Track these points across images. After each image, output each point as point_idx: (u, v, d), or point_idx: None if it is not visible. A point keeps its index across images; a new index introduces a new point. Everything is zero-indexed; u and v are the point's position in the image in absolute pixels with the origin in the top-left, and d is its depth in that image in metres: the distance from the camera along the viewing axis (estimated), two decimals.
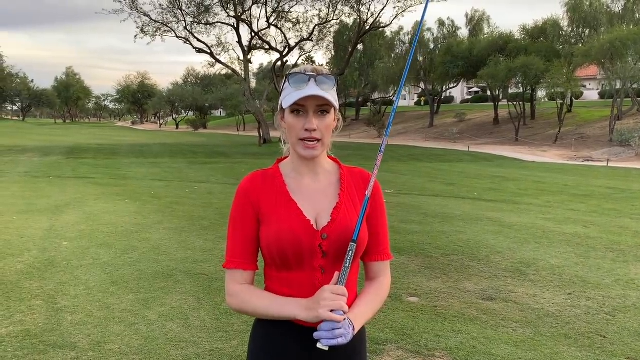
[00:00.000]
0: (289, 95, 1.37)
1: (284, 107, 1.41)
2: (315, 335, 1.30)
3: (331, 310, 1.28)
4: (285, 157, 1.53)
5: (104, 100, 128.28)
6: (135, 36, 35.72)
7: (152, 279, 5.14)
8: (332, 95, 1.37)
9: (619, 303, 4.63)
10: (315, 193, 1.45)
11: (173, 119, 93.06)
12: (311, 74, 1.37)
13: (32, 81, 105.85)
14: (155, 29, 35.47)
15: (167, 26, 35.58)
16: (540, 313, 4.37)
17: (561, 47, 38.21)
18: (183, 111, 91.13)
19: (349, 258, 1.33)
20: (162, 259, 5.90)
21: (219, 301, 4.52)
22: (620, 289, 5.01)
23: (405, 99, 79.86)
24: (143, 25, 35.14)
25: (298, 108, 1.37)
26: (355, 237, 1.33)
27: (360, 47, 42.77)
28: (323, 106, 1.38)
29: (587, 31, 37.28)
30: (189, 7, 35.34)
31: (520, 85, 38.21)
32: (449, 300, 4.65)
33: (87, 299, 4.55)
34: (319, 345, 1.30)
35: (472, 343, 3.71)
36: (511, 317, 4.26)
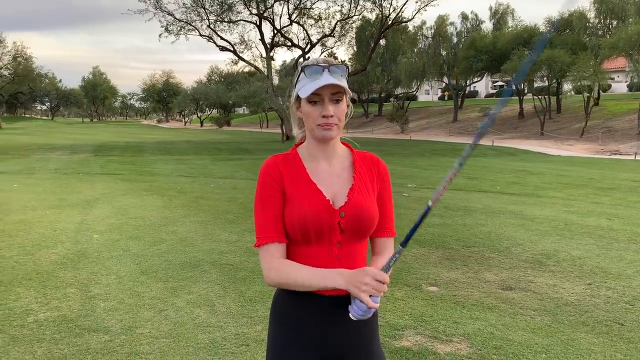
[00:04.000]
0: (306, 86, 1.51)
1: (301, 97, 1.54)
2: (350, 308, 1.45)
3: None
4: (301, 142, 1.66)
5: (129, 99, 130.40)
6: (160, 35, 36.28)
7: (179, 269, 5.33)
8: (344, 83, 1.51)
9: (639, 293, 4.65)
10: (330, 176, 1.58)
11: (197, 116, 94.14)
12: (324, 64, 1.51)
13: (60, 81, 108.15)
14: (179, 28, 35.99)
15: (190, 25, 36.06)
16: (559, 302, 4.42)
17: (588, 39, 37.58)
18: (207, 109, 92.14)
19: (395, 258, 1.44)
20: (189, 250, 6.09)
21: (244, 289, 4.69)
22: None
23: (428, 94, 79.33)
24: (167, 25, 35.69)
25: (315, 97, 1.51)
26: (405, 243, 1.41)
27: (382, 42, 42.72)
28: (337, 94, 1.51)
29: (614, 22, 36.58)
30: (212, 6, 35.76)
31: (545, 78, 37.68)
32: (468, 290, 4.73)
33: (118, 287, 4.75)
34: (350, 314, 1.47)
35: (490, 330, 3.80)
36: (529, 306, 4.33)
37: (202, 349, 3.48)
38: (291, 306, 1.58)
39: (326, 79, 1.48)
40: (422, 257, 5.78)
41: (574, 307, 4.30)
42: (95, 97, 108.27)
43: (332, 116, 1.50)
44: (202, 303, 4.36)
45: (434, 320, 3.98)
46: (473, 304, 4.37)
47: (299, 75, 1.55)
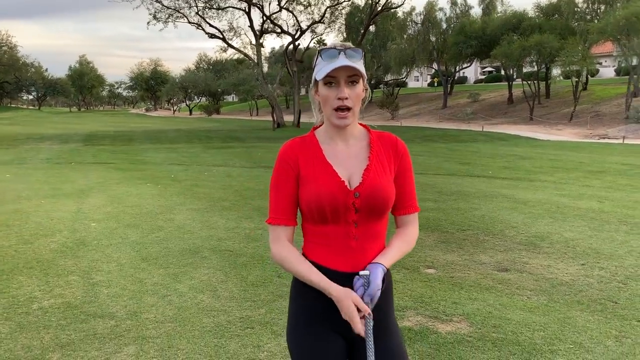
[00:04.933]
0: (322, 69, 1.55)
1: (317, 80, 1.58)
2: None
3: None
4: (319, 126, 1.71)
5: (117, 88, 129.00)
6: (148, 23, 36.02)
7: (179, 256, 5.38)
8: (360, 66, 1.54)
9: (632, 272, 4.77)
10: (347, 157, 1.63)
11: (186, 105, 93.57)
12: (340, 47, 1.55)
13: (47, 70, 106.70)
14: (167, 15, 35.72)
15: (179, 12, 35.74)
16: (554, 282, 4.53)
17: (576, 24, 37.70)
18: (196, 97, 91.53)
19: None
20: (187, 237, 6.14)
21: (245, 274, 4.75)
22: (633, 259, 5.15)
23: (418, 81, 79.35)
24: (155, 12, 35.42)
25: (331, 80, 1.55)
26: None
27: (372, 28, 42.59)
28: (353, 76, 1.55)
29: (602, 7, 36.70)
30: None
31: (534, 63, 37.81)
32: (464, 272, 4.83)
33: (120, 274, 4.79)
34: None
35: (488, 309, 3.90)
36: (525, 286, 4.43)
37: (208, 332, 3.54)
38: (310, 286, 1.63)
39: (342, 61, 1.52)
40: (418, 241, 5.82)
41: (569, 287, 4.40)
42: (83, 86, 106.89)
43: (347, 98, 1.54)
44: (205, 288, 4.42)
45: (433, 301, 4.07)
46: (470, 285, 4.46)
47: (316, 59, 1.59)
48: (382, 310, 1.65)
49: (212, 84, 78.47)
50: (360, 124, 1.70)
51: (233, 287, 4.42)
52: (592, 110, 34.43)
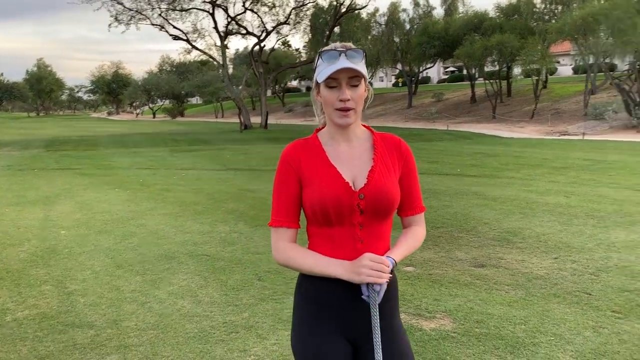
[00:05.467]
0: (323, 71, 1.54)
1: (319, 82, 1.57)
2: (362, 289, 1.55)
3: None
4: (322, 128, 1.69)
5: (77, 92, 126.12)
6: (110, 25, 35.30)
7: (155, 262, 5.29)
8: (361, 67, 1.53)
9: (602, 264, 4.93)
10: (351, 158, 1.62)
11: (149, 108, 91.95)
12: (341, 49, 1.54)
13: (2, 74, 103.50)
14: (129, 17, 35.04)
15: (141, 14, 35.14)
16: (530, 276, 4.64)
17: (535, 24, 38.60)
18: (159, 100, 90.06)
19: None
20: (162, 242, 6.04)
21: (225, 279, 4.70)
22: (602, 252, 5.31)
23: (383, 81, 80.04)
24: (117, 14, 34.67)
25: (332, 81, 1.54)
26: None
27: (337, 29, 42.69)
28: (354, 78, 1.54)
29: (559, 7, 37.71)
30: None
31: (496, 63, 38.57)
32: (442, 269, 4.90)
33: (95, 282, 4.69)
34: (363, 297, 1.55)
35: (469, 305, 3.96)
36: (503, 281, 4.52)
37: (192, 338, 3.50)
38: (314, 288, 1.62)
39: (342, 62, 1.51)
40: (393, 240, 5.90)
41: (544, 280, 4.52)
42: (41, 90, 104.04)
43: (349, 100, 1.53)
44: (185, 294, 4.36)
45: (415, 298, 4.11)
46: (450, 281, 4.53)
47: (317, 61, 1.58)
48: (389, 311, 1.65)
49: (175, 86, 77.30)
50: (363, 125, 1.69)
51: (213, 292, 4.38)
52: (553, 107, 35.36)
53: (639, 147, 18.24)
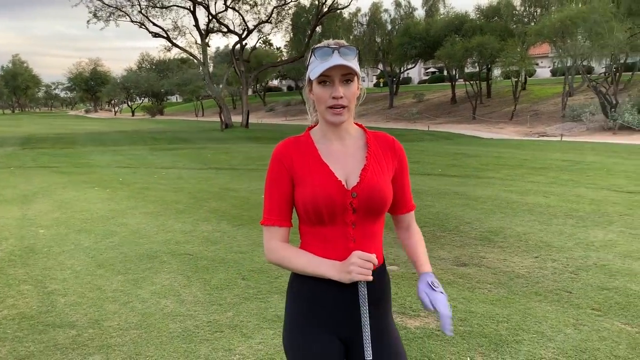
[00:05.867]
0: (316, 68, 1.53)
1: (311, 79, 1.56)
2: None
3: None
4: (314, 126, 1.68)
5: (54, 89, 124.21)
6: (88, 21, 34.83)
7: (137, 261, 5.23)
8: (354, 65, 1.52)
9: (581, 263, 5.01)
10: (344, 156, 1.61)
11: (128, 105, 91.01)
12: (334, 46, 1.53)
13: None
14: (108, 14, 34.59)
15: (121, 10, 34.72)
16: (511, 275, 4.69)
17: (515, 26, 39.09)
18: (138, 98, 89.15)
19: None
20: (143, 241, 5.97)
21: (208, 278, 4.67)
22: (581, 251, 5.40)
23: (364, 81, 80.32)
24: (96, 10, 34.21)
25: (325, 79, 1.53)
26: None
27: (319, 29, 42.70)
28: (347, 75, 1.53)
29: (538, 10, 38.25)
30: None
31: (476, 64, 38.99)
32: None
33: (76, 282, 4.62)
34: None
35: (453, 303, 3.99)
36: (485, 280, 4.57)
37: (176, 338, 3.47)
38: (306, 287, 1.62)
39: (335, 59, 1.50)
40: (386, 240, 5.93)
41: (526, 279, 4.58)
42: (17, 87, 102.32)
43: (341, 97, 1.52)
44: (168, 293, 4.32)
45: (399, 297, 4.13)
46: None
47: (310, 58, 1.57)
48: (381, 310, 1.65)
49: (155, 84, 76.63)
50: (356, 124, 1.68)
51: (197, 291, 4.34)
52: (531, 109, 35.85)
53: (615, 148, 18.60)
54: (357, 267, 1.48)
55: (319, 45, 1.55)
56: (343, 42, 1.55)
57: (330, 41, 1.56)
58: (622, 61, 32.12)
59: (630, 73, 34.06)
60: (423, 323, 3.63)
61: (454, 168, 13.23)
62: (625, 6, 30.32)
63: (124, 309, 4.00)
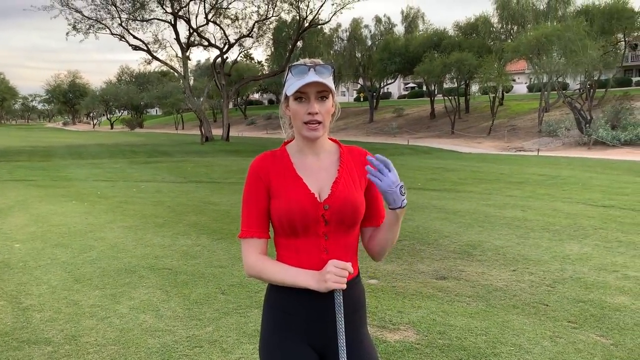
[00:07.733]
0: (293, 85, 1.58)
1: (288, 96, 1.61)
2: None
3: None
4: (290, 141, 1.72)
5: (31, 101, 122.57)
6: (67, 34, 34.50)
7: (115, 275, 5.16)
8: (329, 82, 1.58)
9: (558, 276, 5.09)
10: (318, 170, 1.66)
11: (107, 118, 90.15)
12: (310, 64, 1.58)
13: None
14: (88, 26, 34.36)
15: (101, 23, 34.53)
16: (490, 288, 4.75)
17: (492, 43, 39.87)
18: (117, 111, 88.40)
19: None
20: (121, 256, 5.91)
21: (187, 292, 4.64)
22: (558, 264, 5.49)
23: (345, 95, 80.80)
24: (75, 22, 33.97)
25: (301, 95, 1.58)
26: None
27: (299, 43, 42.98)
28: (322, 92, 1.59)
29: (515, 27, 39.06)
30: (123, 4, 34.48)
31: (454, 80, 39.57)
32: (405, 281, 4.96)
33: (52, 297, 4.54)
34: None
35: (432, 317, 4.02)
36: (464, 293, 4.62)
37: (155, 353, 3.43)
38: (282, 297, 1.64)
39: (311, 77, 1.55)
40: (359, 253, 5.95)
41: (503, 292, 4.63)
42: None
43: (317, 113, 1.57)
44: (146, 308, 4.27)
45: (379, 310, 4.15)
46: (412, 293, 4.59)
47: (287, 75, 1.62)
48: (356, 319, 1.68)
49: (134, 97, 76.11)
50: (331, 139, 1.73)
51: (176, 306, 4.30)
52: (509, 124, 36.44)
53: (590, 163, 18.98)
54: (332, 275, 1.52)
55: (295, 63, 1.60)
56: (319, 60, 1.61)
57: (307, 59, 1.62)
58: (595, 78, 32.93)
59: (604, 89, 34.90)
60: (403, 337, 3.65)
61: (433, 182, 13.36)
62: (598, 25, 31.20)
63: (102, 324, 3.94)
